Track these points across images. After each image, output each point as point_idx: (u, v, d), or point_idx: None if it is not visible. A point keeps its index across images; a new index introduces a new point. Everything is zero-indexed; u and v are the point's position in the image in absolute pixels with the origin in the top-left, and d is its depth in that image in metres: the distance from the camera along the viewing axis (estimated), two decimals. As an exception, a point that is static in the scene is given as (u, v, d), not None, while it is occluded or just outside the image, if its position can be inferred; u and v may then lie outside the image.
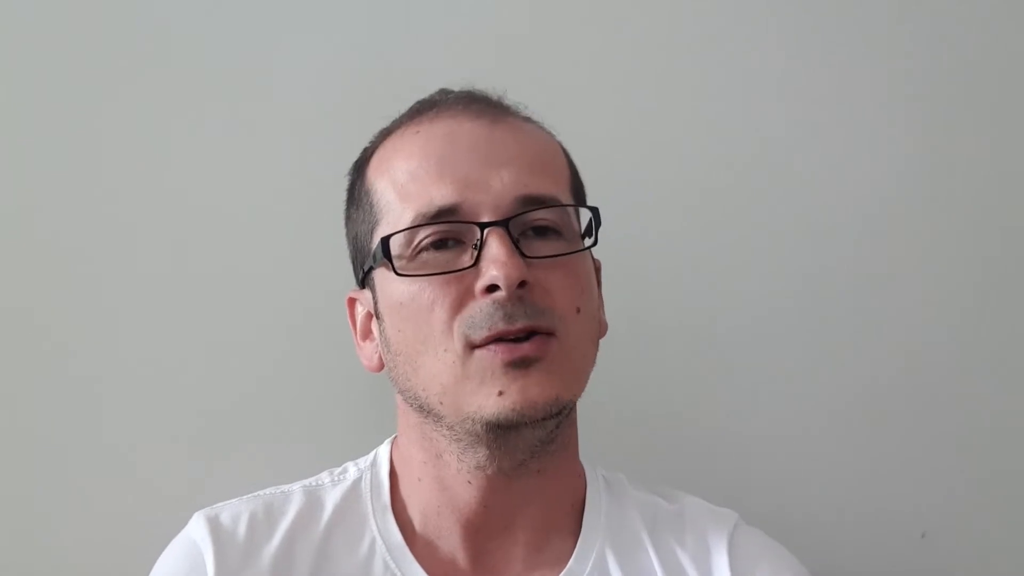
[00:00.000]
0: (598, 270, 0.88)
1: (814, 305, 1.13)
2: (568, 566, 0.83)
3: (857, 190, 1.14)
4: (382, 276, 0.82)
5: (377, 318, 0.84)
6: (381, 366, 0.85)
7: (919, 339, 1.14)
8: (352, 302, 0.88)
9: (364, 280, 0.85)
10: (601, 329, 0.86)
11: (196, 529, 0.83)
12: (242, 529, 0.82)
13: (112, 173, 1.07)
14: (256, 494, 0.86)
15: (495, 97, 0.86)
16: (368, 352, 0.86)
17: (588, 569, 0.84)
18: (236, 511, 0.84)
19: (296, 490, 0.86)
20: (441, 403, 0.79)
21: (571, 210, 0.84)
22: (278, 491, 0.86)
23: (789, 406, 1.12)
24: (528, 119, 0.87)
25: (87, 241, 1.06)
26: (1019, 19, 1.18)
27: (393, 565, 0.82)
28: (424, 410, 0.81)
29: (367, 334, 0.86)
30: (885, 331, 1.14)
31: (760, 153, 1.14)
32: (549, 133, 0.87)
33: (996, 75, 1.17)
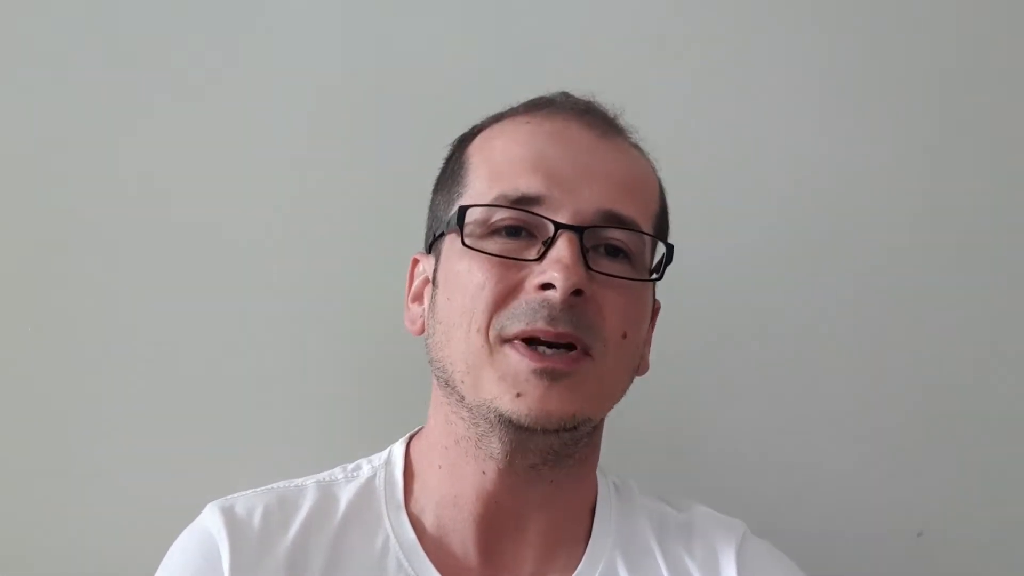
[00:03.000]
0: (656, 311, 0.88)
1: (806, 306, 1.14)
2: (577, 571, 0.84)
3: (855, 194, 1.15)
4: (449, 244, 0.83)
5: (433, 284, 0.84)
6: (422, 330, 0.85)
7: (914, 339, 1.15)
8: (415, 263, 0.89)
9: (432, 246, 0.86)
10: (642, 367, 0.87)
11: (211, 520, 0.82)
12: (257, 521, 0.82)
13: (113, 171, 1.07)
14: (269, 487, 0.86)
15: (611, 114, 0.87)
16: (414, 314, 0.87)
17: (597, 575, 0.84)
18: (250, 503, 0.84)
19: (310, 484, 0.86)
20: (463, 381, 0.80)
21: (647, 242, 0.84)
22: (291, 484, 0.86)
23: (784, 406, 1.13)
24: (636, 145, 0.88)
25: (88, 239, 1.06)
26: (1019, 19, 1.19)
27: (407, 564, 0.82)
28: (449, 386, 0.81)
29: (418, 297, 0.87)
30: (881, 332, 1.14)
31: (761, 159, 1.14)
32: (651, 164, 0.88)
33: (997, 75, 1.18)
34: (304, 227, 1.08)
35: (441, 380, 0.83)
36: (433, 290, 0.84)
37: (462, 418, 0.82)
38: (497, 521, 0.84)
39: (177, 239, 1.07)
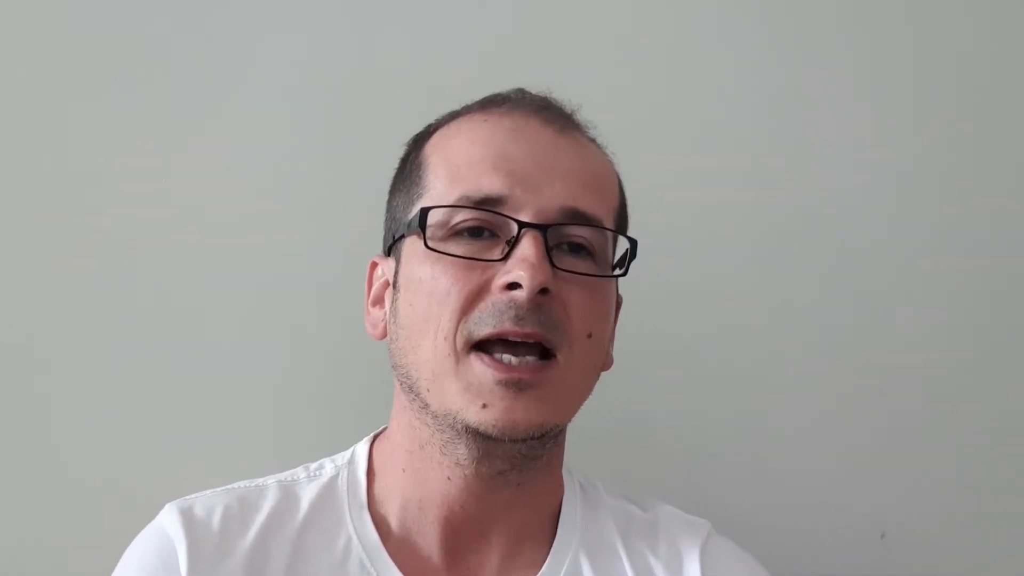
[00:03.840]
0: (619, 305, 0.88)
1: (778, 310, 1.14)
2: (542, 571, 0.84)
3: (851, 196, 1.15)
4: (410, 247, 0.82)
5: (393, 288, 0.83)
6: (384, 335, 0.85)
7: (880, 342, 1.15)
8: (374, 266, 0.88)
9: (391, 248, 0.85)
10: (606, 362, 0.86)
11: (168, 521, 0.81)
12: (216, 522, 0.81)
13: (103, 172, 1.06)
14: (229, 487, 0.85)
15: (568, 110, 0.87)
16: (375, 319, 0.86)
17: (562, 574, 0.84)
18: (209, 503, 0.82)
19: (271, 484, 0.85)
20: (428, 390, 0.79)
21: (609, 238, 0.84)
22: (252, 484, 0.85)
23: (749, 408, 1.13)
24: (593, 140, 0.87)
25: (74, 238, 1.05)
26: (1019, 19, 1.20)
27: (369, 564, 0.81)
28: (413, 392, 0.81)
29: (379, 301, 0.86)
30: (848, 335, 1.15)
31: (757, 159, 1.15)
32: (609, 159, 0.88)
33: (997, 76, 1.19)
34: (285, 227, 1.07)
35: (405, 386, 0.82)
36: (394, 294, 0.83)
37: (427, 424, 0.81)
38: (462, 524, 0.83)
39: (156, 240, 1.06)
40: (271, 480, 0.86)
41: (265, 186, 1.08)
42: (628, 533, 0.87)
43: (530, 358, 0.77)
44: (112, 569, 0.82)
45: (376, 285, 0.87)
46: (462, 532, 0.83)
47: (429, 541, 0.83)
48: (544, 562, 0.84)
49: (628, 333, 1.08)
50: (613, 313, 0.86)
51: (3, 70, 1.06)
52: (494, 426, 0.77)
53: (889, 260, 1.16)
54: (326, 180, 1.07)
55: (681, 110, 1.15)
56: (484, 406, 0.77)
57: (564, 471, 0.89)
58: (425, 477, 0.82)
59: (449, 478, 0.81)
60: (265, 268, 1.07)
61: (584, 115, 0.87)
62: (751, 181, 1.15)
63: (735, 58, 1.15)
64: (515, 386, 0.77)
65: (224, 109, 1.08)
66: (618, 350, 1.08)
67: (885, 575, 1.13)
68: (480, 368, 0.77)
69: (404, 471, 0.84)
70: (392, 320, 0.83)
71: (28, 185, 1.05)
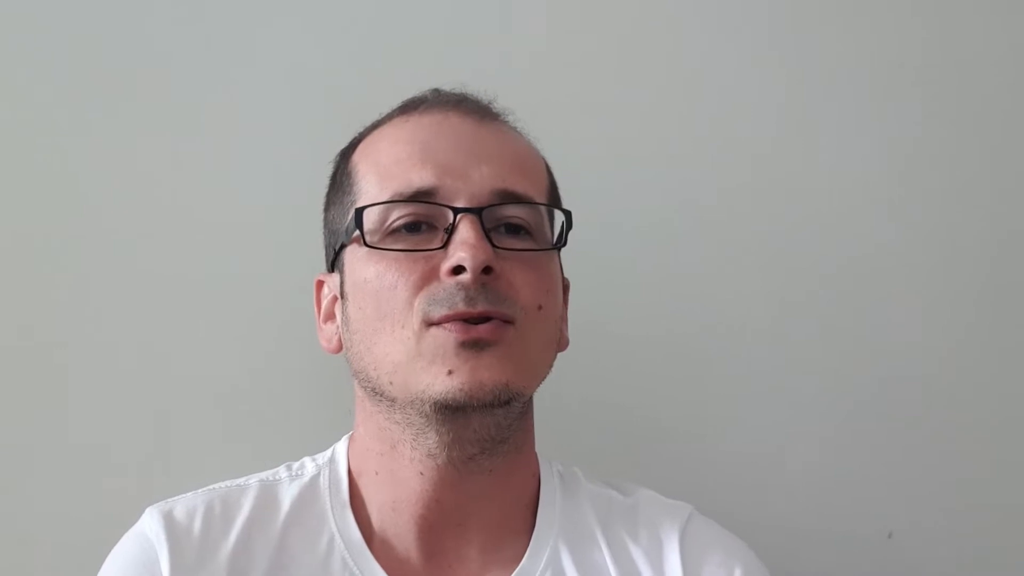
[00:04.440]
0: (566, 288, 0.89)
1: (785, 308, 1.14)
2: (521, 564, 0.83)
3: (846, 195, 1.15)
4: (351, 254, 0.83)
5: (342, 298, 0.84)
6: (339, 348, 0.86)
7: (885, 342, 1.14)
8: (320, 285, 0.89)
9: (334, 263, 0.86)
10: (562, 342, 0.87)
11: (149, 524, 0.81)
12: (197, 524, 0.81)
13: (98, 170, 1.07)
14: (210, 487, 0.85)
15: (485, 101, 0.89)
16: (328, 333, 0.87)
17: (542, 566, 0.83)
18: (190, 505, 0.82)
19: (252, 484, 0.85)
20: (391, 383, 0.79)
21: (545, 216, 0.85)
22: (233, 485, 0.85)
23: (756, 407, 1.12)
24: (513, 127, 0.89)
25: (69, 237, 1.06)
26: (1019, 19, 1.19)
27: (352, 563, 0.81)
28: (376, 393, 0.81)
29: (329, 316, 0.87)
30: (853, 334, 1.14)
31: (750, 157, 1.14)
32: (531, 143, 0.90)
33: (998, 76, 1.18)
34: (266, 225, 1.08)
35: (368, 389, 0.82)
36: (343, 304, 0.84)
37: (396, 422, 0.81)
38: (438, 520, 0.83)
39: (147, 238, 1.07)
40: (253, 480, 0.86)
41: (249, 183, 1.08)
42: (608, 520, 0.87)
43: (489, 322, 0.78)
44: (91, 573, 0.82)
45: (325, 302, 0.88)
46: (439, 529, 0.83)
47: (407, 540, 0.83)
48: (524, 555, 0.84)
49: (640, 332, 1.11)
50: (560, 290, 0.86)
51: (3, 70, 1.07)
52: (461, 390, 0.77)
53: (900, 258, 1.15)
54: (313, 177, 1.06)
55: (683, 110, 1.15)
56: (450, 372, 0.77)
57: (542, 461, 0.89)
58: (398, 477, 0.82)
59: (422, 473, 0.82)
60: (253, 265, 1.07)
61: (498, 104, 0.89)
62: (753, 180, 1.15)
63: (737, 58, 1.15)
64: (476, 345, 0.77)
65: (224, 110, 1.09)
66: (629, 349, 1.10)
67: (892, 575, 1.12)
68: (442, 335, 0.78)
69: (377, 474, 0.84)
70: (345, 329, 0.84)
71: (27, 185, 1.06)
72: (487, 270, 0.78)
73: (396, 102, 0.89)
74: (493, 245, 0.79)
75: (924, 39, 1.17)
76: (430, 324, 0.78)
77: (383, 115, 0.89)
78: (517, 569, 0.83)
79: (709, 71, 1.15)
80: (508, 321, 0.79)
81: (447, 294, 0.78)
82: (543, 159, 0.90)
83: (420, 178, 0.81)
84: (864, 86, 1.16)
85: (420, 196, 0.81)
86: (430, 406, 0.78)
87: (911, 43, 1.17)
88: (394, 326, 0.79)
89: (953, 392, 1.15)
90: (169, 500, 0.84)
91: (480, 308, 0.77)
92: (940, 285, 1.16)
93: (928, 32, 1.18)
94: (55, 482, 1.03)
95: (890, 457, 1.13)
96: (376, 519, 0.83)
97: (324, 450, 0.89)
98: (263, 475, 0.86)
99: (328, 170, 0.90)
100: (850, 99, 1.16)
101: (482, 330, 0.77)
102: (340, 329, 0.85)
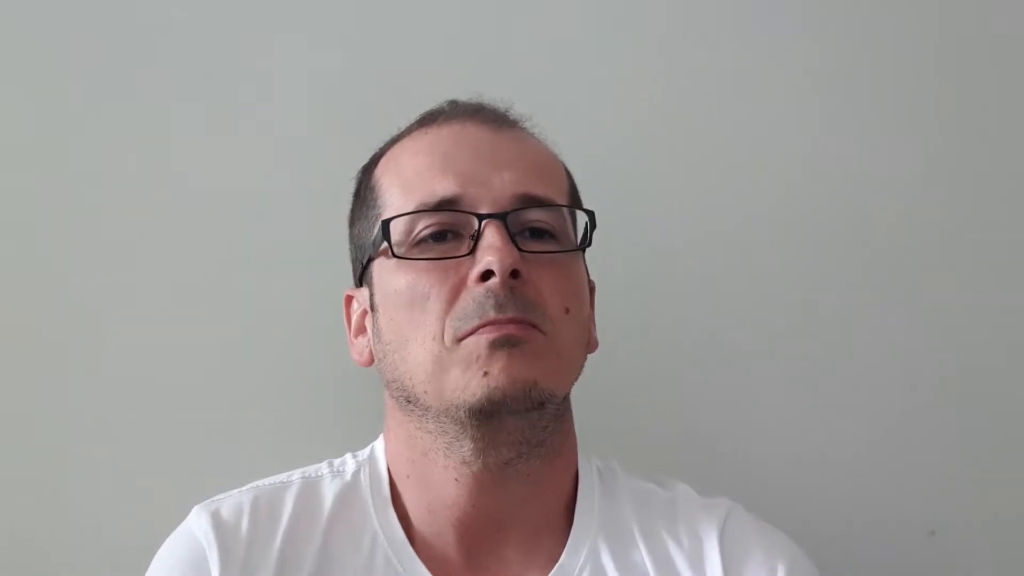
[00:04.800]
0: (592, 290, 0.89)
1: (820, 305, 1.13)
2: (560, 562, 0.83)
3: (855, 195, 1.14)
4: (380, 267, 0.84)
5: (372, 311, 0.85)
6: (371, 360, 0.86)
7: (925, 338, 1.14)
8: (349, 300, 0.90)
9: (362, 277, 0.87)
10: (591, 343, 0.87)
11: (197, 524, 0.82)
12: (244, 523, 0.82)
13: (110, 173, 1.07)
14: (254, 484, 0.86)
15: (502, 109, 0.89)
16: (360, 347, 0.88)
17: (580, 564, 0.84)
18: (237, 504, 0.83)
19: (295, 480, 0.86)
20: (426, 392, 0.80)
21: (568, 218, 0.86)
22: (277, 481, 0.86)
23: (796, 405, 1.12)
24: (531, 133, 0.90)
25: (84, 240, 1.06)
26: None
27: (395, 560, 0.82)
28: (410, 402, 0.82)
29: (360, 330, 0.88)
30: (890, 330, 1.13)
31: (760, 158, 1.14)
32: (549, 147, 0.90)
33: (997, 76, 1.17)
34: (292, 230, 1.08)
35: (401, 399, 0.83)
36: (375, 316, 0.85)
37: (428, 431, 0.82)
38: (475, 524, 0.83)
39: (172, 240, 1.07)
40: (296, 475, 0.87)
41: (270, 188, 1.09)
42: (647, 517, 0.87)
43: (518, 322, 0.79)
44: (131, 570, 0.83)
45: (355, 317, 0.89)
46: (476, 532, 0.83)
47: (446, 541, 0.83)
48: (562, 554, 0.84)
49: (666, 330, 1.11)
50: (587, 291, 0.87)
51: (3, 70, 1.08)
52: (496, 389, 0.77)
53: (935, 251, 1.15)
54: (333, 182, 1.05)
55: (707, 111, 1.15)
56: (485, 374, 0.78)
57: (581, 458, 0.89)
58: (431, 482, 0.83)
59: (457, 479, 0.82)
60: (275, 269, 1.08)
61: (515, 112, 0.90)
62: (771, 182, 1.15)
63: (761, 60, 1.15)
64: (507, 343, 0.78)
65: (226, 110, 1.09)
66: (660, 349, 1.10)
67: (934, 574, 1.11)
68: (473, 341, 0.78)
69: (409, 477, 0.85)
70: (376, 341, 0.84)
71: (27, 185, 1.07)
72: (515, 274, 0.78)
73: (416, 115, 0.89)
74: (519, 249, 0.80)
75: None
76: (461, 339, 0.78)
77: (402, 129, 0.90)
78: (556, 567, 0.83)
79: (732, 72, 1.15)
80: (537, 328, 0.79)
81: (477, 303, 0.78)
82: (562, 162, 0.90)
83: (443, 188, 0.82)
84: (884, 87, 1.16)
85: (444, 205, 0.82)
86: (465, 412, 0.78)
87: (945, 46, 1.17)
88: (426, 337, 0.79)
89: (1001, 386, 1.14)
90: (215, 499, 0.85)
91: (510, 314, 0.78)
92: (973, 282, 1.15)
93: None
94: (102, 484, 1.04)
95: (932, 454, 1.12)
96: (415, 519, 0.84)
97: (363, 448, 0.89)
98: (306, 471, 0.87)
99: (351, 186, 0.91)
100: (866, 99, 1.15)
101: (512, 327, 0.78)
102: (371, 341, 0.86)
